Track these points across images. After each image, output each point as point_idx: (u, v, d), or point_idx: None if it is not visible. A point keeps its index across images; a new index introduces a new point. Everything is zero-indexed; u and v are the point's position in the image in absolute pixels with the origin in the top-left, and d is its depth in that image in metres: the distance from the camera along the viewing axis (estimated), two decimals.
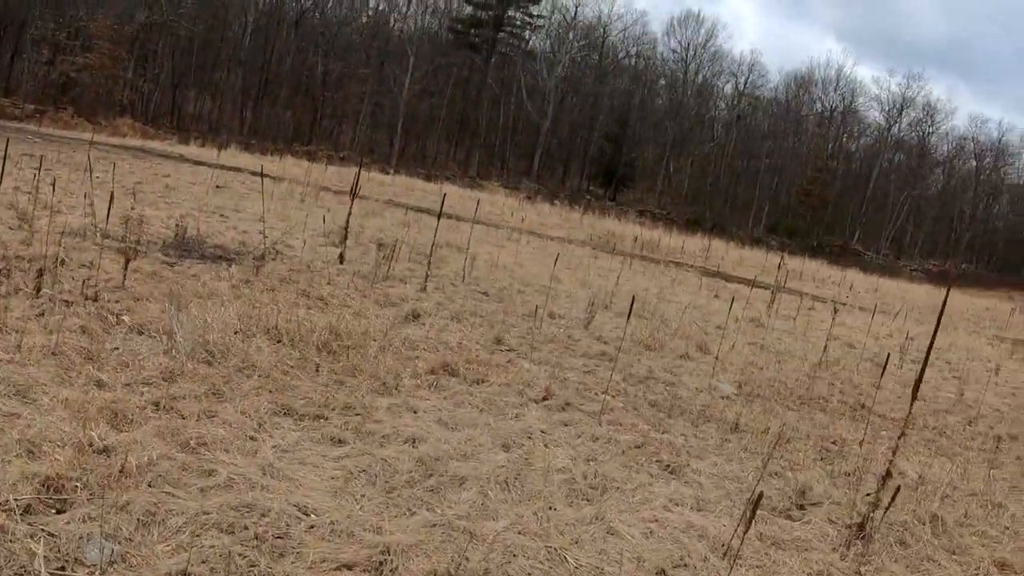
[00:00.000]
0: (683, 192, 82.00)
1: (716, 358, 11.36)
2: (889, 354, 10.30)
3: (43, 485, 4.48)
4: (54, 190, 12.43)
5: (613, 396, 8.57)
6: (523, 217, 29.48)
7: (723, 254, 38.20)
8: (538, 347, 10.39)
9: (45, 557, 3.95)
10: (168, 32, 63.78)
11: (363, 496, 5.26)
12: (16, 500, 4.28)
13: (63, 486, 4.52)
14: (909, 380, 12.74)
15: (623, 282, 18.26)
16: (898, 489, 5.76)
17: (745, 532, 4.86)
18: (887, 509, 5.82)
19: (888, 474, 6.11)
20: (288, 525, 4.66)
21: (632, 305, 8.87)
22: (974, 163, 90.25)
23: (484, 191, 47.00)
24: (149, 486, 4.76)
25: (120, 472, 4.78)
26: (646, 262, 27.52)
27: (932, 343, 5.86)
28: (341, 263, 13.13)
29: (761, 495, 4.57)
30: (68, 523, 4.23)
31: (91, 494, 4.53)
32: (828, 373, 12.43)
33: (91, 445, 5.02)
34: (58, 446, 4.93)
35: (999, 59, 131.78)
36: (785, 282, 24.39)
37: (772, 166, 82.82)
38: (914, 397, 5.92)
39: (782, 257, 27.08)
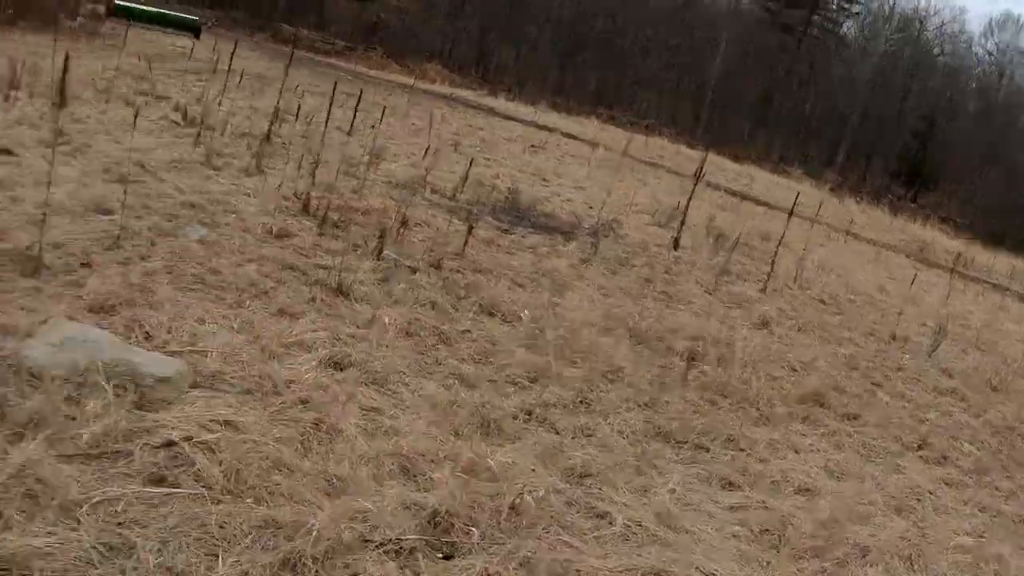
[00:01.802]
0: (988, 202, 75.55)
1: None
2: None
3: (430, 522, 3.66)
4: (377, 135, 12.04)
5: (978, 449, 7.45)
6: (851, 220, 27.52)
7: None
8: (890, 376, 9.23)
9: None
10: None
11: (768, 564, 4.32)
12: (404, 541, 3.49)
13: (452, 524, 3.69)
14: None
15: (949, 304, 16.43)
16: None
17: None
18: None
19: None
20: None
21: None
22: None
23: (789, 178, 44.74)
24: (544, 530, 3.90)
25: (511, 510, 3.92)
26: (965, 280, 25.05)
27: None
28: (675, 249, 12.14)
29: None
30: None
31: (482, 536, 3.71)
32: None
33: (474, 468, 4.18)
34: (435, 464, 4.16)
35: None
36: None
37: None
38: None
39: None
